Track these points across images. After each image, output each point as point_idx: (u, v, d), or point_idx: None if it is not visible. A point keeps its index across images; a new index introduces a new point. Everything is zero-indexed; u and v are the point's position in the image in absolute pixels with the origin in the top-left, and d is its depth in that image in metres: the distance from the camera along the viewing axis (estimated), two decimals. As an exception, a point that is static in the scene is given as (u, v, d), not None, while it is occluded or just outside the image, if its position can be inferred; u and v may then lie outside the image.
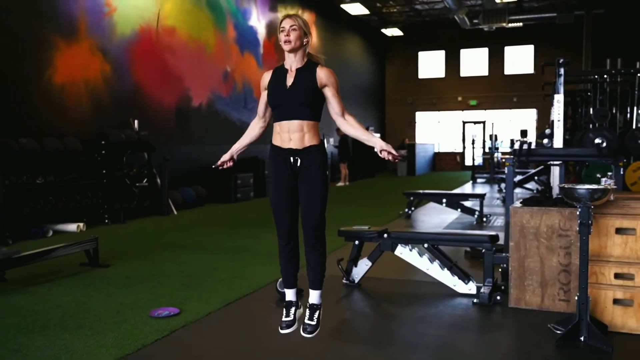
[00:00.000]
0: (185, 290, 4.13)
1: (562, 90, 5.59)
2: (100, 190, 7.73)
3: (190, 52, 10.67)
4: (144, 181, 8.48)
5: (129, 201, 8.16)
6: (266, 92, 2.76)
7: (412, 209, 8.08)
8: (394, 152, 2.62)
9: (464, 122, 21.91)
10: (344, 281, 4.35)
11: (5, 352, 2.93)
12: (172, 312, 3.58)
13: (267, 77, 2.77)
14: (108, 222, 7.70)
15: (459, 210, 7.60)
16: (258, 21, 13.36)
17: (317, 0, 16.30)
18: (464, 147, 21.53)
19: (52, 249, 4.48)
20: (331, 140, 15.95)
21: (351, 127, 2.74)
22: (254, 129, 2.91)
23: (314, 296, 2.81)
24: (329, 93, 2.69)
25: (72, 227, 6.97)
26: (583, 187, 3.06)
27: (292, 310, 2.79)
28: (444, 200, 7.59)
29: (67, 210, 7.15)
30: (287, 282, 2.84)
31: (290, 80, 2.67)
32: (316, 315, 2.78)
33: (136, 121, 8.86)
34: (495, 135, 15.41)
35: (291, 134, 2.66)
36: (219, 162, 2.89)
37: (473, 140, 17.58)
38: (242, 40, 12.52)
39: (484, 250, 4.03)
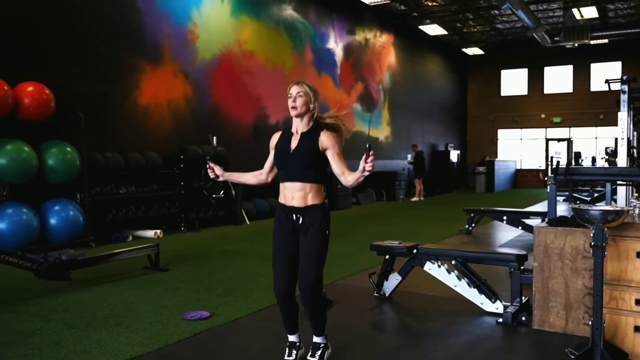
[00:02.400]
0: (224, 296, 4.44)
1: (626, 107, 5.32)
2: (178, 200, 8.43)
3: (268, 74, 11.27)
4: (220, 193, 9.09)
5: (204, 211, 8.79)
6: (273, 152, 2.94)
7: (473, 225, 7.92)
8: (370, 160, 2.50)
9: (547, 140, 21.36)
10: (375, 294, 4.46)
11: (46, 344, 3.33)
12: (203, 315, 3.87)
13: (275, 138, 2.95)
14: (184, 230, 8.37)
15: (520, 228, 7.32)
16: (335, 44, 13.77)
17: (395, 22, 16.40)
18: (546, 165, 20.78)
19: (114, 253, 5.00)
20: (408, 156, 15.93)
21: (349, 178, 2.74)
22: (255, 177, 3.07)
23: (317, 337, 2.93)
24: (330, 155, 2.80)
25: (150, 233, 7.68)
26: (595, 209, 2.97)
27: (294, 351, 2.95)
28: (505, 218, 7.35)
29: (146, 218, 7.88)
30: (288, 328, 2.96)
31: (294, 144, 2.82)
32: (318, 353, 2.89)
33: (214, 138, 9.54)
34: (579, 153, 14.52)
35: (294, 193, 2.80)
36: (211, 165, 3.04)
37: (551, 158, 16.83)
38: (319, 62, 13.00)
39: (511, 270, 3.96)
